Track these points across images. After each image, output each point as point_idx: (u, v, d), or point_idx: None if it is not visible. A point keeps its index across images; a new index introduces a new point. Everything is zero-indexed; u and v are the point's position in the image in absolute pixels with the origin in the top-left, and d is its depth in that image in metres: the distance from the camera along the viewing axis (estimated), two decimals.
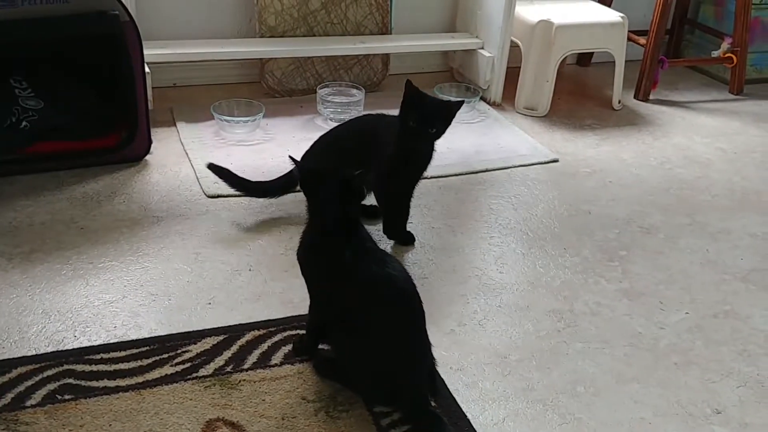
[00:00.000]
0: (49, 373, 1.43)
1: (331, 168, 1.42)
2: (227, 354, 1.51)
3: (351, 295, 1.36)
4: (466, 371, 1.52)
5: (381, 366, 1.36)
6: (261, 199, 2.06)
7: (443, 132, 1.77)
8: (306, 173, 1.41)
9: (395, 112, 1.78)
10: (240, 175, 2.00)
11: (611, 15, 2.83)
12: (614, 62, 2.81)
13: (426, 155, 1.83)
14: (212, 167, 1.99)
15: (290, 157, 1.44)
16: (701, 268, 1.94)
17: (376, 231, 1.95)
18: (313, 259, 1.42)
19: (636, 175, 2.41)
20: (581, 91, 3.06)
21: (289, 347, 1.53)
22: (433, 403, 1.41)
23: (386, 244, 1.93)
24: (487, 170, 2.34)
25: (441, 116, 1.75)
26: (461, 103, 1.79)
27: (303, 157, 1.94)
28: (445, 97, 2.67)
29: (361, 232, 1.40)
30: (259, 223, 1.98)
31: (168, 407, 1.37)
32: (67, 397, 1.38)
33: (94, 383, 1.42)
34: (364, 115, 2.04)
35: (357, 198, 1.40)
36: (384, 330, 1.34)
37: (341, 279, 1.37)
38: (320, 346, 1.50)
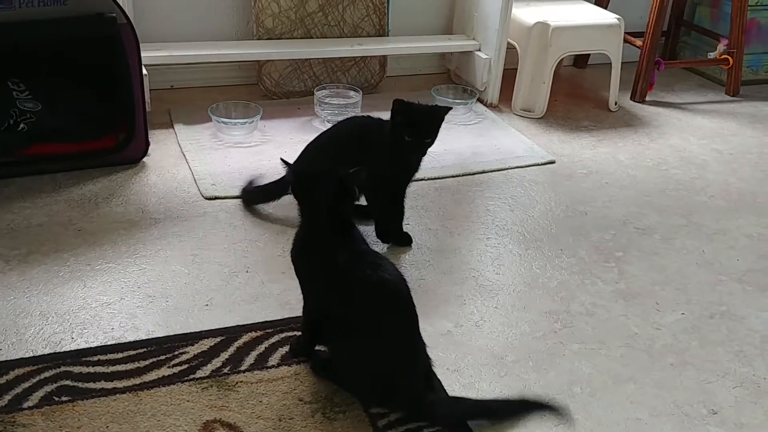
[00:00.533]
0: (47, 374, 1.43)
1: (323, 169, 1.42)
2: (224, 355, 1.51)
3: (345, 297, 1.36)
4: (463, 372, 1.53)
5: (376, 367, 1.36)
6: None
7: (436, 138, 1.81)
8: (299, 175, 1.41)
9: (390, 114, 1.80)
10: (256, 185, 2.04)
11: (608, 17, 2.84)
12: (611, 64, 2.82)
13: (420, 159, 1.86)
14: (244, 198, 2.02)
15: (282, 159, 1.44)
16: (697, 268, 1.95)
17: (372, 232, 1.95)
18: (306, 261, 1.43)
19: (632, 176, 2.41)
20: (578, 92, 3.07)
21: (286, 349, 1.54)
22: None
23: (383, 246, 1.93)
24: (483, 172, 2.35)
25: (433, 126, 1.79)
26: (449, 109, 1.82)
27: (295, 162, 1.95)
28: (442, 99, 2.70)
29: (354, 233, 1.41)
30: (256, 225, 1.98)
31: (165, 409, 1.38)
32: (64, 398, 1.38)
33: (92, 385, 1.42)
34: (352, 117, 2.05)
35: (350, 197, 1.40)
36: (378, 332, 1.34)
37: (334, 281, 1.37)
38: (317, 348, 1.51)
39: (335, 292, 1.37)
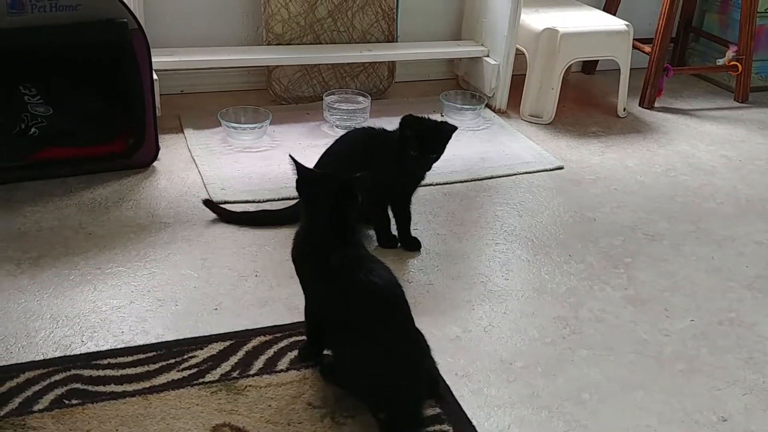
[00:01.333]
0: (57, 377, 1.44)
1: (329, 171, 1.42)
2: (233, 359, 1.52)
3: (338, 301, 1.36)
4: (472, 378, 1.53)
5: (373, 371, 1.35)
6: (266, 205, 2.08)
7: (442, 153, 1.83)
8: (303, 174, 1.41)
9: (399, 119, 1.80)
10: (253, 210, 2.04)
11: (616, 23, 2.84)
12: (619, 70, 2.82)
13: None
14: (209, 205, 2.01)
15: (290, 156, 1.44)
16: (706, 275, 1.94)
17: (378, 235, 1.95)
18: (304, 261, 1.43)
19: (641, 183, 2.41)
20: (586, 98, 3.07)
21: (295, 353, 1.54)
22: (438, 409, 1.42)
23: (392, 250, 1.93)
24: (492, 177, 2.35)
25: (440, 142, 1.81)
26: (455, 128, 1.83)
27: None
28: (450, 105, 2.71)
29: (355, 237, 1.41)
30: (265, 230, 1.98)
31: (175, 412, 1.38)
32: (74, 401, 1.39)
33: (101, 388, 1.42)
34: (355, 129, 2.07)
35: (354, 201, 1.39)
36: (371, 337, 1.33)
37: (326, 283, 1.37)
38: (325, 352, 1.51)
39: (329, 295, 1.38)
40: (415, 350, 1.37)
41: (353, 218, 1.41)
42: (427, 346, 1.42)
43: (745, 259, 2.03)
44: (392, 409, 1.36)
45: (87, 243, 1.87)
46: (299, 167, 1.41)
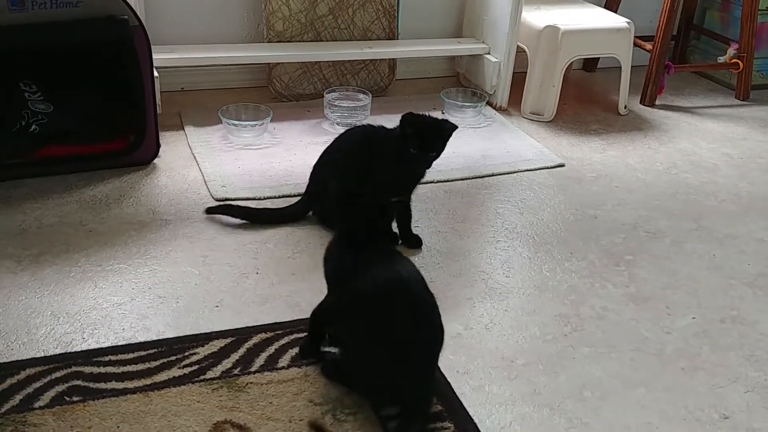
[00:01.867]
0: (58, 374, 1.44)
1: (367, 198, 1.47)
2: (234, 356, 1.52)
3: (352, 298, 1.37)
4: (473, 375, 1.53)
5: (378, 369, 1.35)
6: (269, 204, 2.08)
7: (442, 152, 1.82)
8: (342, 195, 1.46)
9: (399, 116, 1.80)
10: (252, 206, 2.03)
11: (617, 20, 2.83)
12: (620, 67, 2.82)
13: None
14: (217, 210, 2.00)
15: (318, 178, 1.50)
16: (708, 273, 1.94)
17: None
18: (335, 266, 1.46)
19: (642, 180, 2.41)
20: (587, 96, 3.07)
21: (296, 350, 1.54)
22: (439, 406, 1.41)
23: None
24: (493, 175, 2.35)
25: (440, 140, 1.81)
26: (455, 126, 1.82)
27: (312, 177, 1.99)
28: (451, 102, 2.71)
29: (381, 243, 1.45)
30: (266, 227, 1.98)
31: (176, 409, 1.38)
32: (75, 398, 1.39)
33: (102, 385, 1.42)
34: (355, 127, 2.06)
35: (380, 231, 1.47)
36: (379, 335, 1.33)
37: (345, 280, 1.39)
38: (327, 350, 1.51)
39: (343, 291, 1.39)
40: (429, 350, 1.38)
41: (383, 233, 1.49)
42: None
43: (747, 257, 2.02)
44: (398, 405, 1.36)
45: (87, 240, 1.87)
46: (342, 189, 1.49)
